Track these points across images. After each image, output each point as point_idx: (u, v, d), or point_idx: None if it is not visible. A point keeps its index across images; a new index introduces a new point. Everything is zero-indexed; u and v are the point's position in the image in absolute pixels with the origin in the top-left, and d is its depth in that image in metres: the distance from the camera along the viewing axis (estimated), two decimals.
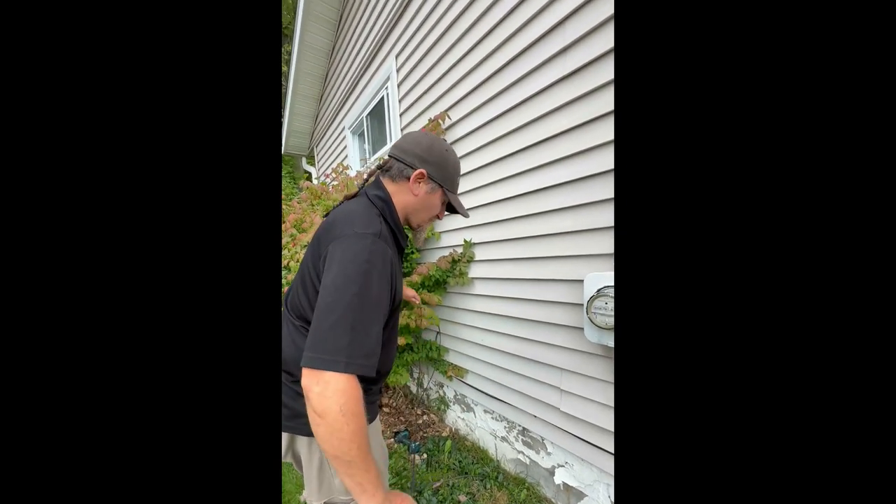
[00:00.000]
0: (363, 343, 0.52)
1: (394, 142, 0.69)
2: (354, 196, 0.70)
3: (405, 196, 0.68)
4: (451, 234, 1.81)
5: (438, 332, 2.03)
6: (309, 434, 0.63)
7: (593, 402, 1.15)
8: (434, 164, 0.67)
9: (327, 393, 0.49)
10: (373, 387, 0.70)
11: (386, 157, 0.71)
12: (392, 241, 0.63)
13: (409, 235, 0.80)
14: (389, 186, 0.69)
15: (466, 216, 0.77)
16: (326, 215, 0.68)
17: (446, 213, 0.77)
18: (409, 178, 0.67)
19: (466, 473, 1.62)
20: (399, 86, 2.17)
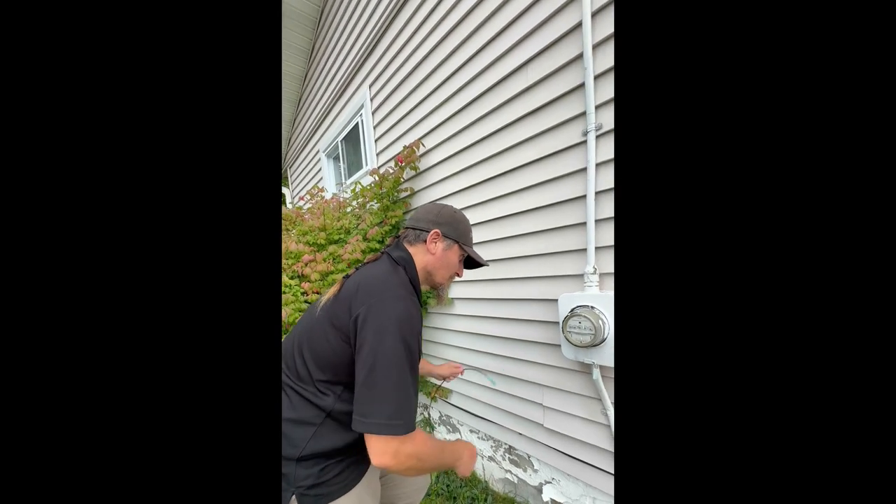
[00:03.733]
0: (411, 403, 0.58)
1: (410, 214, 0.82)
2: (376, 259, 0.76)
3: (424, 256, 0.77)
4: None
5: (421, 354, 2.02)
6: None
7: (575, 417, 1.19)
8: (446, 224, 0.77)
9: (401, 459, 0.57)
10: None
11: (402, 227, 0.81)
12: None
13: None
14: (409, 249, 0.77)
15: (487, 265, 0.86)
16: (346, 277, 0.72)
17: (465, 268, 0.85)
18: (425, 241, 0.76)
19: (455, 498, 1.60)
20: (374, 113, 2.23)
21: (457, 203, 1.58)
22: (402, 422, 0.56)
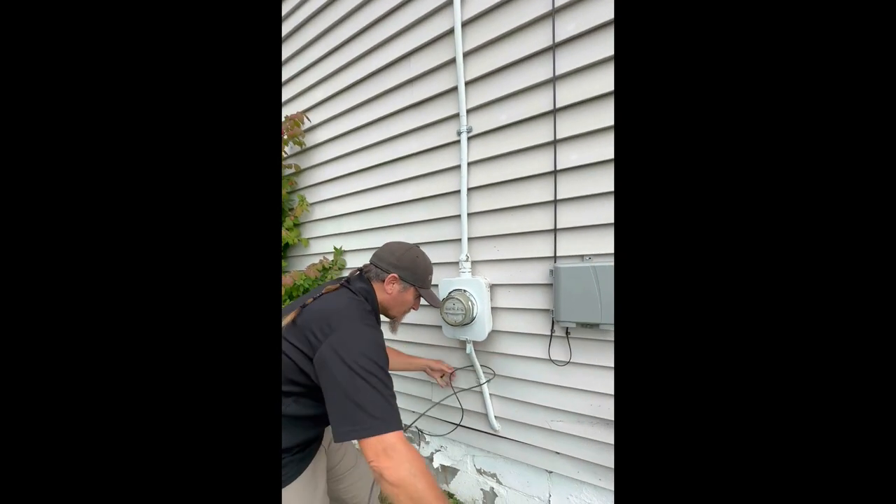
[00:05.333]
0: (392, 406, 0.68)
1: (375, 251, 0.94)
2: (335, 290, 0.85)
3: (382, 294, 0.91)
4: (320, 240, 1.81)
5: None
6: None
7: (460, 389, 1.41)
8: (405, 269, 0.90)
9: (395, 462, 0.62)
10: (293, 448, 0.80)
11: (367, 262, 0.93)
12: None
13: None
14: (372, 283, 0.90)
15: (439, 307, 1.01)
16: (304, 306, 0.79)
17: (423, 303, 1.00)
18: (384, 281, 0.88)
19: None
20: None
21: (347, 187, 1.59)
22: (388, 419, 0.65)
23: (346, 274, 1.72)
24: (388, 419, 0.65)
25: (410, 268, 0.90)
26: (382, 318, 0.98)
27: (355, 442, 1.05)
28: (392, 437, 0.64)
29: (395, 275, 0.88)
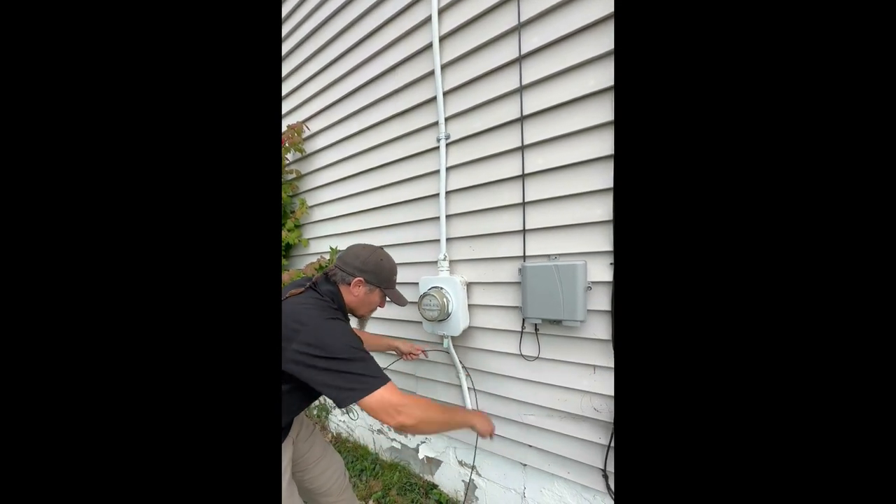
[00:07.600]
0: (375, 366, 0.79)
1: (339, 254, 0.99)
2: (301, 293, 0.90)
3: (348, 296, 0.95)
4: (318, 241, 1.91)
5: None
6: None
7: (439, 383, 1.47)
8: (370, 272, 0.94)
9: (406, 412, 0.76)
10: None
11: (332, 266, 0.97)
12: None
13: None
14: (338, 285, 0.95)
15: (404, 305, 1.03)
16: None
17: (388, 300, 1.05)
18: (350, 284, 0.93)
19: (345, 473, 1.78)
20: None
21: (342, 190, 1.69)
22: (376, 377, 0.76)
23: None
24: (378, 375, 0.78)
25: (375, 271, 0.94)
26: (350, 316, 1.04)
27: (326, 434, 1.13)
28: (389, 394, 0.76)
29: (361, 278, 0.93)
